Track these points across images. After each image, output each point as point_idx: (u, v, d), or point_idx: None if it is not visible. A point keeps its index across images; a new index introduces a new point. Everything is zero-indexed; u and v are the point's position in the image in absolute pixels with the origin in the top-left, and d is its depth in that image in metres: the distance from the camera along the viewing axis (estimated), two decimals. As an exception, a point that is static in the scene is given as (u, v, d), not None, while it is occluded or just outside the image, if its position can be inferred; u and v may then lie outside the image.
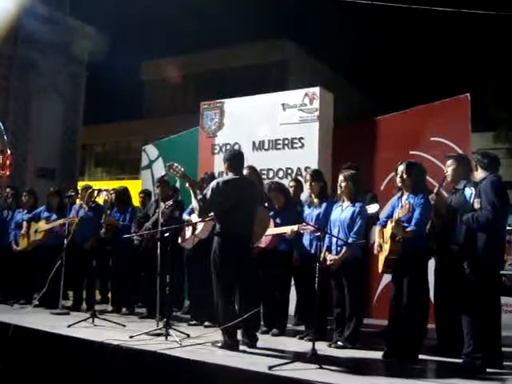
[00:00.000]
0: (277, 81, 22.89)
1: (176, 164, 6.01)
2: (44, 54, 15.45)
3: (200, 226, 6.56)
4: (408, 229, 5.10)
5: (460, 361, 4.98)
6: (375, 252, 5.46)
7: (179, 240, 6.92)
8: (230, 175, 5.79)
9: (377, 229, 5.51)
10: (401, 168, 5.38)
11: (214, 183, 5.71)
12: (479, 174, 5.15)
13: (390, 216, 5.33)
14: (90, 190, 8.08)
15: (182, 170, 5.97)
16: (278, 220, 6.48)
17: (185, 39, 23.49)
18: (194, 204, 5.79)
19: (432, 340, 5.70)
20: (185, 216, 7.08)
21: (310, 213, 6.34)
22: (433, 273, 5.67)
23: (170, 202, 6.86)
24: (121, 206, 8.18)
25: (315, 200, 6.38)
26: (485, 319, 4.90)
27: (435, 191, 5.60)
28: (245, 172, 6.18)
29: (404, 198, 5.31)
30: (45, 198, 8.82)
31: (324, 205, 6.26)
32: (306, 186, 6.48)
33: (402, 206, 5.17)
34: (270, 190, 6.58)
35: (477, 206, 4.97)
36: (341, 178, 5.94)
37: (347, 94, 21.85)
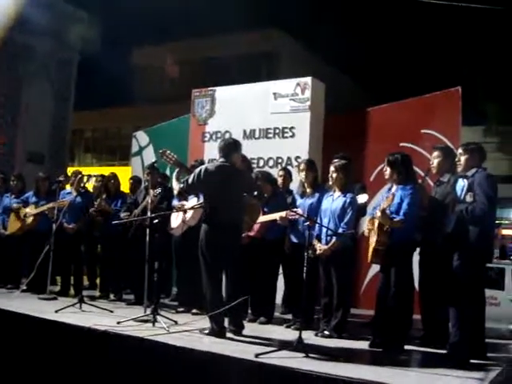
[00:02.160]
0: (268, 70, 22.84)
1: (169, 151, 6.02)
2: (35, 39, 15.31)
3: (189, 213, 6.56)
4: (396, 218, 5.12)
5: (445, 351, 5.04)
6: (365, 234, 5.47)
7: (168, 227, 6.92)
8: (220, 161, 5.79)
9: (367, 219, 5.53)
10: (392, 159, 5.41)
11: (200, 168, 5.73)
12: (469, 168, 5.15)
13: (378, 207, 5.35)
14: (80, 176, 8.05)
15: (175, 157, 5.98)
16: (265, 209, 6.49)
17: (177, 26, 23.36)
18: (175, 185, 5.80)
19: (417, 331, 5.73)
20: (174, 202, 7.07)
21: (303, 202, 6.36)
22: (417, 264, 5.70)
23: (159, 190, 6.85)
24: (110, 193, 8.16)
25: (308, 190, 6.40)
26: (470, 311, 4.95)
27: (419, 182, 5.62)
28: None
29: (393, 189, 5.34)
30: (33, 182, 8.78)
31: (317, 194, 6.27)
32: (300, 176, 6.48)
33: (387, 197, 5.22)
34: (257, 180, 6.59)
35: (469, 199, 4.98)
36: (332, 168, 5.94)
37: (339, 84, 21.83)
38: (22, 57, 15.54)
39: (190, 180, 5.66)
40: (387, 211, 5.12)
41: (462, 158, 5.19)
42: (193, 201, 6.67)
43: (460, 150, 5.24)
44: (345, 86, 25.21)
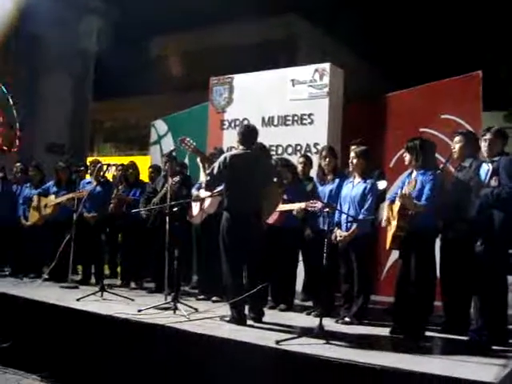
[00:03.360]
0: (286, 57, 22.71)
1: (188, 138, 6.02)
2: (51, 30, 15.34)
3: (207, 201, 6.56)
4: (419, 203, 5.08)
5: (466, 338, 5.01)
6: (383, 225, 5.44)
7: (187, 216, 6.94)
8: (240, 149, 5.78)
9: (386, 204, 5.49)
10: (411, 145, 5.36)
11: (222, 157, 5.72)
12: (494, 152, 5.09)
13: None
14: (99, 165, 8.09)
15: (194, 144, 5.98)
16: (285, 196, 6.47)
17: (195, 15, 23.27)
18: (202, 178, 5.80)
19: (438, 317, 5.70)
20: (193, 191, 7.08)
21: (323, 189, 6.34)
22: (439, 250, 5.66)
23: (177, 178, 6.87)
24: (130, 181, 8.20)
25: (329, 176, 6.36)
26: (493, 297, 4.91)
27: (440, 167, 5.57)
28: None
29: (414, 174, 5.29)
30: (54, 173, 8.84)
31: (337, 180, 6.25)
32: (322, 162, 6.44)
33: (409, 182, 5.18)
34: (277, 167, 6.57)
35: (494, 183, 4.92)
36: (352, 154, 5.92)
37: (358, 70, 21.67)
38: (39, 48, 15.60)
39: (214, 171, 5.64)
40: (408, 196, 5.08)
41: (486, 143, 5.12)
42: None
43: (488, 135, 5.15)
44: (364, 72, 25.01)
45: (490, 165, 5.03)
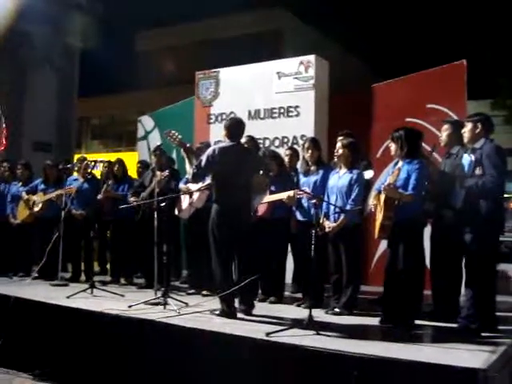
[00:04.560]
0: (272, 50, 22.68)
1: (173, 131, 6.02)
2: (36, 27, 15.24)
3: (196, 195, 6.55)
4: (406, 193, 5.10)
5: (455, 325, 5.05)
6: (372, 210, 5.46)
7: (175, 211, 6.93)
8: (227, 142, 5.78)
9: (373, 194, 5.50)
10: (396, 135, 5.37)
11: (210, 150, 5.72)
12: (475, 139, 5.12)
13: (385, 182, 5.32)
14: (86, 162, 8.06)
15: (180, 137, 5.98)
16: (272, 188, 6.48)
17: (178, 9, 23.19)
18: (188, 169, 5.80)
19: (428, 306, 5.73)
20: (181, 185, 7.06)
21: (307, 180, 6.35)
22: (428, 239, 5.69)
23: (166, 173, 6.86)
24: (118, 177, 8.18)
25: (312, 167, 6.38)
26: (482, 285, 4.94)
27: (426, 156, 5.60)
28: (242, 141, 6.16)
29: (399, 164, 5.31)
30: (41, 171, 8.80)
31: (321, 171, 6.26)
32: (305, 154, 6.47)
33: (393, 172, 5.20)
34: (264, 158, 6.58)
35: (478, 172, 4.96)
36: (339, 145, 5.93)
37: (343, 61, 21.68)
38: (25, 46, 15.49)
39: (202, 163, 5.63)
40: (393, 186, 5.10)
41: (467, 129, 5.17)
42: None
43: (466, 122, 5.21)
44: (350, 64, 25.03)
45: (471, 155, 5.07)
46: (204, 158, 5.64)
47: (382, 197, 5.15)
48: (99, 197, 7.85)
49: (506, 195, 6.45)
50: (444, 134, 5.76)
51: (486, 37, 20.43)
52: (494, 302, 5.12)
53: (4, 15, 13.86)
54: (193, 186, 6.65)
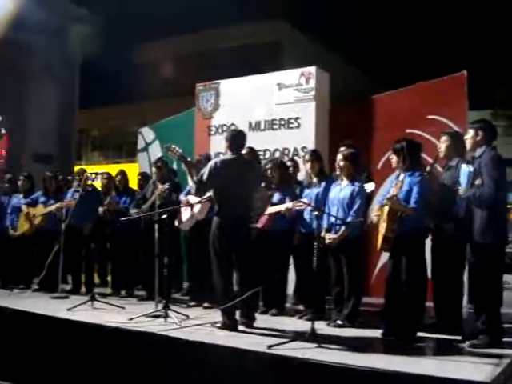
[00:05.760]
0: (271, 61, 22.75)
1: (174, 146, 6.01)
2: (37, 38, 15.29)
3: (197, 207, 6.53)
4: (408, 206, 5.08)
5: (459, 337, 5.02)
6: (374, 222, 5.42)
7: (176, 223, 6.91)
8: (229, 154, 5.77)
9: (376, 206, 5.47)
10: (398, 147, 5.36)
11: (211, 163, 5.70)
12: (476, 146, 5.09)
13: (387, 194, 5.30)
14: (85, 175, 8.05)
15: (180, 151, 5.97)
16: (274, 199, 6.47)
17: (177, 20, 23.30)
18: (191, 184, 5.79)
19: (430, 318, 5.70)
20: (181, 197, 7.06)
21: (310, 192, 6.34)
22: (430, 250, 5.67)
23: (167, 186, 6.85)
24: (119, 190, 8.16)
25: (314, 179, 6.37)
26: (487, 296, 4.89)
27: (428, 170, 5.59)
28: (243, 152, 6.15)
29: (401, 176, 5.30)
30: (41, 182, 8.80)
31: (323, 184, 6.26)
32: (306, 166, 6.46)
33: (395, 184, 5.18)
34: (266, 170, 6.58)
35: (478, 182, 4.92)
36: (340, 157, 5.92)
37: (343, 73, 21.74)
38: (25, 56, 15.54)
39: (204, 177, 5.61)
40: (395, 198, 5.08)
41: (468, 136, 5.13)
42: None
43: (468, 129, 5.19)
44: (351, 76, 25.10)
45: (469, 166, 5.03)
46: (206, 171, 5.62)
47: (386, 209, 5.13)
48: (100, 210, 7.82)
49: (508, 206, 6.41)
50: (443, 145, 5.74)
51: (484, 47, 20.49)
52: (498, 314, 5.08)
53: (4, 25, 13.92)
54: (193, 198, 6.63)
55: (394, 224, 5.09)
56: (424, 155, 5.83)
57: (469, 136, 5.16)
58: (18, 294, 7.90)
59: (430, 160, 5.98)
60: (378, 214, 5.29)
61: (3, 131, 14.88)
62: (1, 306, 6.50)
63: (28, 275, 8.43)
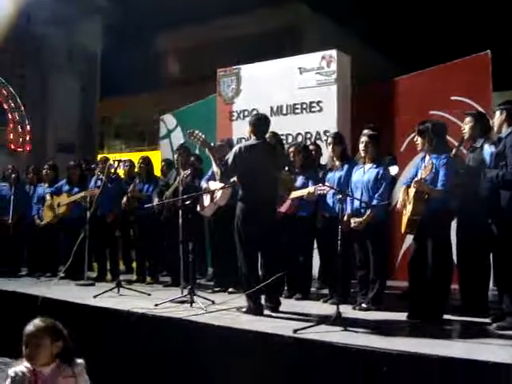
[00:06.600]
0: (293, 46, 22.61)
1: (197, 131, 5.99)
2: (58, 30, 15.39)
3: (218, 193, 6.53)
4: (436, 189, 5.03)
5: (485, 320, 4.98)
6: (398, 207, 5.38)
7: (198, 208, 6.91)
8: (253, 139, 5.76)
9: (402, 188, 5.43)
10: (423, 128, 5.30)
11: (236, 148, 5.70)
12: (504, 128, 5.02)
13: (414, 177, 5.24)
14: (109, 162, 8.09)
15: (203, 136, 5.95)
16: (297, 183, 6.46)
17: (198, 8, 23.21)
18: (215, 169, 5.78)
19: (456, 301, 5.67)
20: (202, 183, 7.05)
21: (332, 176, 6.31)
22: (455, 233, 5.62)
23: (188, 171, 6.85)
24: (145, 176, 8.19)
25: (337, 163, 6.34)
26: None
27: (453, 152, 5.52)
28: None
29: (427, 158, 5.23)
30: (65, 172, 8.88)
31: (345, 167, 6.22)
32: (328, 150, 6.43)
33: (425, 167, 5.10)
34: (288, 155, 6.57)
35: (502, 163, 4.86)
36: (363, 139, 5.87)
37: (366, 56, 21.54)
38: (47, 48, 15.64)
39: (229, 162, 5.61)
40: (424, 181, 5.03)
41: (495, 118, 5.07)
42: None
43: (496, 110, 5.11)
44: (372, 58, 24.84)
45: (492, 147, 4.97)
46: (231, 156, 5.62)
47: (412, 191, 5.08)
48: (124, 200, 7.85)
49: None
50: (466, 126, 5.65)
51: (510, 26, 20.13)
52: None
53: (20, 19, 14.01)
54: (212, 184, 6.63)
55: (419, 207, 5.04)
56: (448, 137, 5.76)
57: (495, 117, 5.10)
58: (45, 282, 7.99)
59: (455, 142, 5.90)
60: (404, 196, 5.25)
61: (27, 122, 15.03)
62: (31, 294, 6.58)
63: (54, 263, 8.52)
